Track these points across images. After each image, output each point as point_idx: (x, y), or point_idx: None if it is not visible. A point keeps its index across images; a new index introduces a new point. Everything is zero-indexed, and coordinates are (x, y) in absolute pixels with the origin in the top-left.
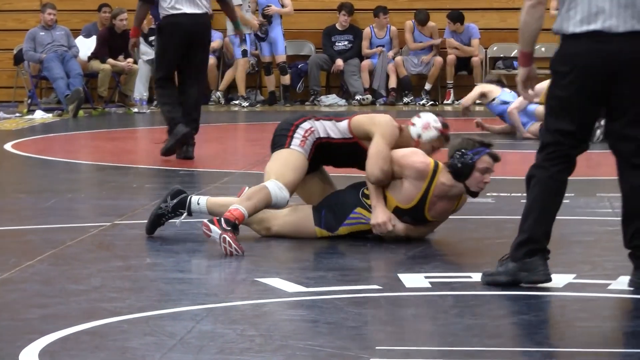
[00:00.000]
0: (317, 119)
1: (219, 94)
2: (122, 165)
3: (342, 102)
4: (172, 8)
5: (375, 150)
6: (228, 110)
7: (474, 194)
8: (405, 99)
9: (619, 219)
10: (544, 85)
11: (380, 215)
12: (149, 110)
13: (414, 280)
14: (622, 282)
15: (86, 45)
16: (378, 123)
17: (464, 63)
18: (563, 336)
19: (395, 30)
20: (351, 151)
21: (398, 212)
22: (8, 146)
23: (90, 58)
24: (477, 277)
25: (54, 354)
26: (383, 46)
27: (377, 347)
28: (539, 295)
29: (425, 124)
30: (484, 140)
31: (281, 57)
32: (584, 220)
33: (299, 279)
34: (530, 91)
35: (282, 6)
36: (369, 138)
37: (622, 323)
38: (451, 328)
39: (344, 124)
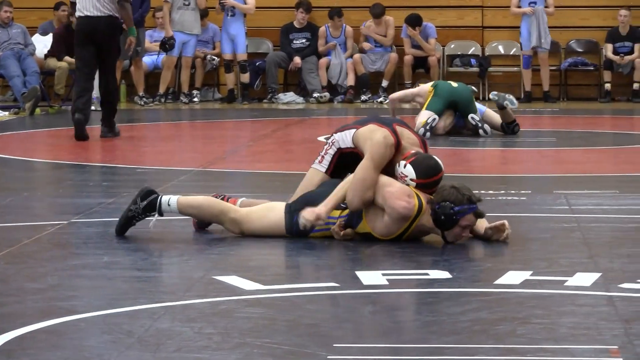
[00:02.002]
0: (344, 129)
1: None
2: (78, 163)
3: (300, 99)
4: (78, 11)
5: (361, 177)
6: (187, 108)
7: (449, 243)
8: (363, 97)
9: (576, 216)
10: (425, 87)
11: (317, 211)
12: None
13: (372, 277)
14: (579, 279)
15: (43, 43)
16: (371, 141)
17: (421, 62)
18: (520, 333)
19: (351, 31)
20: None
21: (370, 237)
22: None
23: (47, 56)
24: (434, 274)
25: (11, 352)
26: (339, 44)
27: (334, 345)
28: (496, 292)
29: (400, 174)
30: (473, 196)
31: (242, 56)
32: (541, 218)
33: (257, 277)
34: None
35: (245, 2)
36: (363, 153)
37: (578, 320)
38: (408, 325)
39: (351, 133)
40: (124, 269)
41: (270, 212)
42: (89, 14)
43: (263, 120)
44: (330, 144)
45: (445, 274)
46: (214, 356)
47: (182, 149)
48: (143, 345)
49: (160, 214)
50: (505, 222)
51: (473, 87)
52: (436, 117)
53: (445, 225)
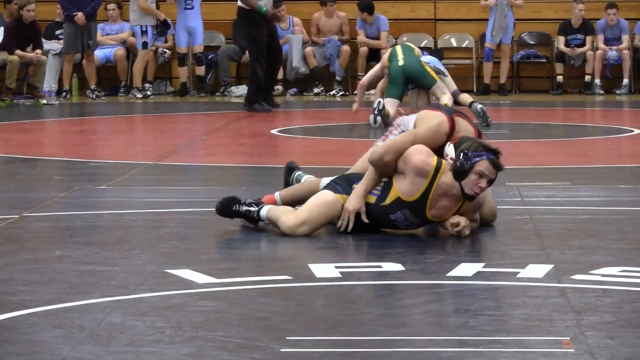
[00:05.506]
0: (410, 113)
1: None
2: (30, 157)
3: None
4: None
5: (395, 140)
6: (140, 101)
7: (468, 197)
8: (316, 90)
9: (528, 208)
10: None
11: (352, 202)
12: (57, 102)
13: (324, 270)
14: (531, 271)
15: None
16: (426, 124)
17: (374, 54)
18: (472, 325)
19: (299, 21)
20: None
21: (399, 203)
22: None
23: None
24: (386, 266)
25: None
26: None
27: (287, 338)
28: (448, 284)
29: (445, 153)
30: (492, 146)
31: (199, 48)
32: None
33: (209, 270)
34: None
35: None
36: None
37: (530, 311)
38: (361, 318)
39: (414, 116)
40: (75, 263)
41: (325, 206)
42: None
43: (215, 113)
44: (396, 125)
45: (397, 267)
46: (167, 350)
47: (134, 142)
48: (95, 340)
49: (259, 217)
50: (462, 221)
51: (418, 50)
52: (381, 100)
53: (462, 173)
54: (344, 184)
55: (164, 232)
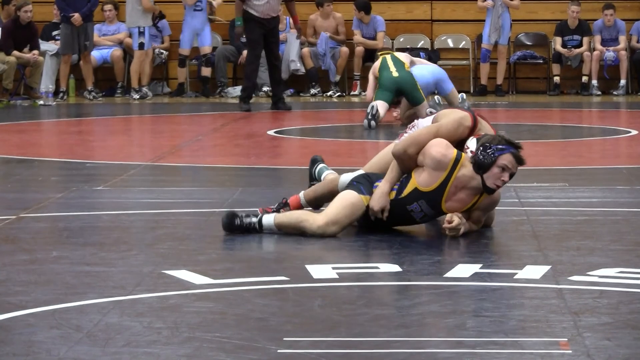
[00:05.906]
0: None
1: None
2: (27, 158)
3: None
4: None
5: (417, 132)
6: (137, 102)
7: (489, 190)
8: (313, 90)
9: (525, 209)
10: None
11: (377, 201)
12: (54, 103)
13: (321, 271)
14: (528, 272)
15: None
16: (448, 118)
17: (370, 54)
18: (469, 326)
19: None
20: None
21: (417, 194)
22: None
23: None
24: (384, 267)
25: None
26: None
27: (284, 338)
28: (445, 285)
29: (465, 146)
30: (514, 140)
31: (208, 49)
32: None
33: (206, 271)
34: None
35: None
36: None
37: (528, 312)
38: (358, 319)
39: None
40: (72, 263)
41: (351, 207)
42: None
43: (212, 114)
44: (411, 127)
45: (395, 267)
46: (163, 350)
47: (131, 143)
48: (92, 340)
49: (260, 227)
50: (456, 219)
51: (407, 62)
52: (374, 104)
53: (483, 166)
54: (366, 184)
55: (161, 232)
